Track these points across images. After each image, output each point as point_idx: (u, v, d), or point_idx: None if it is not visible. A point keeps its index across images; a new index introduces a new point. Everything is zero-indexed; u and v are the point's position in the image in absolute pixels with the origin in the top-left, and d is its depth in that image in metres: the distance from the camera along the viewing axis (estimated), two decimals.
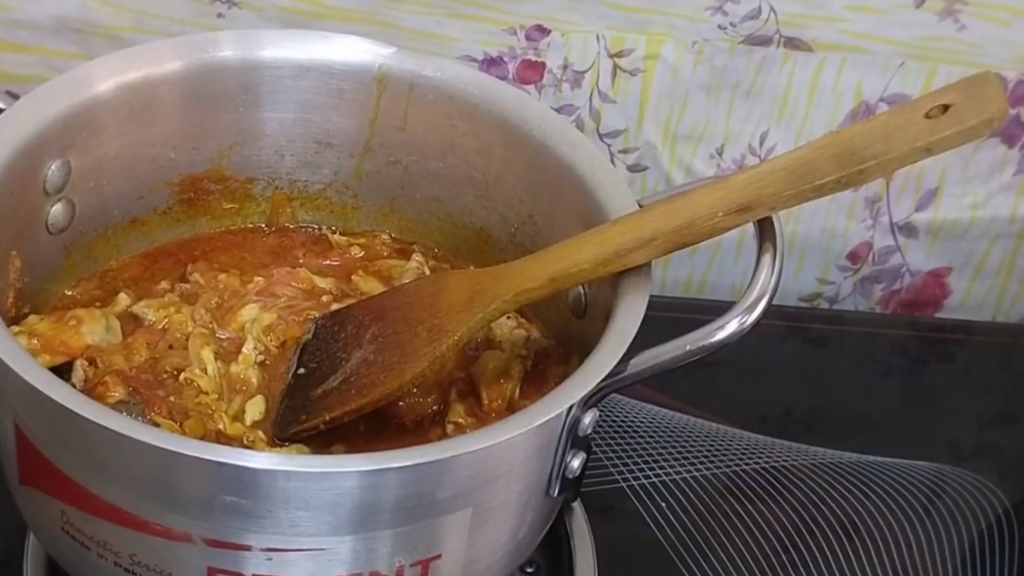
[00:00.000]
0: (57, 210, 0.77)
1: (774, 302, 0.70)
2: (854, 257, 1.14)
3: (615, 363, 0.67)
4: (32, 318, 0.74)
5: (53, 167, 0.75)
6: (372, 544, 0.65)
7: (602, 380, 0.66)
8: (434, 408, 0.75)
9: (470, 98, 0.82)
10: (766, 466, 0.95)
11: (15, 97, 0.80)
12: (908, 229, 1.12)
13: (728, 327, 0.69)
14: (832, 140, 0.68)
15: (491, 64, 1.01)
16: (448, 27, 0.99)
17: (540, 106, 0.84)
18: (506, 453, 0.66)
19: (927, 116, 0.66)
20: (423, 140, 0.84)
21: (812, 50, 1.02)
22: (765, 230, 0.71)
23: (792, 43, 1.02)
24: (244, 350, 0.76)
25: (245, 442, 0.72)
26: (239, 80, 0.81)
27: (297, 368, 0.76)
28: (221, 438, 0.72)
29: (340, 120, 0.84)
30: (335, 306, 0.80)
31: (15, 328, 0.72)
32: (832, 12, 1.00)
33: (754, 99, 1.04)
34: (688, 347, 0.69)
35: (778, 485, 0.94)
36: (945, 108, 0.66)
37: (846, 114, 1.05)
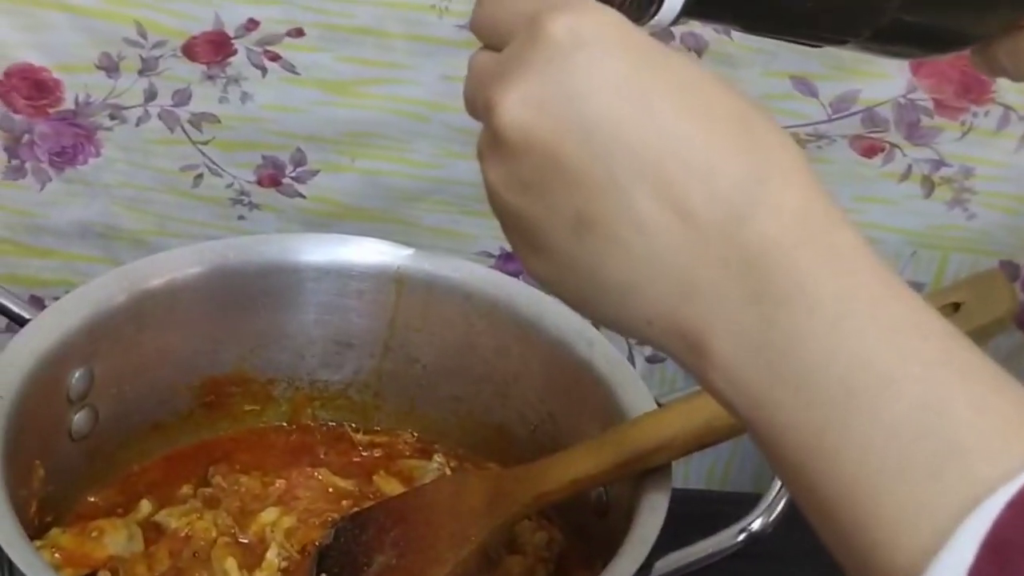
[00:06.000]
0: (80, 417, 0.77)
1: None
2: None
3: (637, 568, 0.66)
4: (54, 531, 0.74)
5: (77, 375, 0.76)
6: None
7: None
8: None
9: (487, 297, 0.83)
10: None
11: (39, 301, 0.82)
12: None
13: (751, 527, 0.69)
14: None
15: (507, 259, 1.02)
16: (464, 224, 1.01)
17: (555, 303, 0.84)
18: None
19: None
20: (441, 339, 0.85)
21: None
22: None
23: None
24: (268, 556, 0.76)
25: None
26: (260, 284, 0.83)
27: (318, 574, 0.76)
28: None
29: (360, 320, 0.85)
30: (355, 509, 0.80)
31: (38, 542, 0.72)
32: (842, 203, 1.01)
33: None
34: (710, 551, 0.69)
35: None
36: (956, 306, 0.66)
37: None
